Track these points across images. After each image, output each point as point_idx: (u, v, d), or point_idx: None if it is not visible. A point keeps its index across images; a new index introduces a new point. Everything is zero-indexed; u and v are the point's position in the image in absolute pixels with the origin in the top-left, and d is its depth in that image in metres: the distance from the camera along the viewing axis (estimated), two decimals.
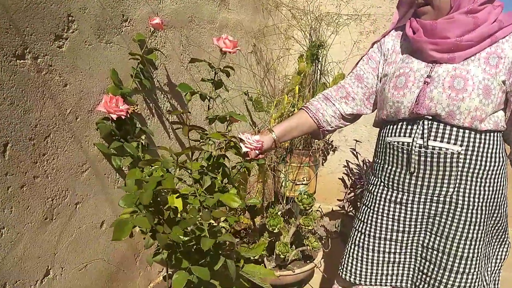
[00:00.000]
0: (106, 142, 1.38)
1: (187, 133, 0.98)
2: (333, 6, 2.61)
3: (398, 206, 1.36)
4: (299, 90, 2.65)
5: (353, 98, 1.48)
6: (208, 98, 1.37)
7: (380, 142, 1.46)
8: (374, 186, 1.45)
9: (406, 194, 1.34)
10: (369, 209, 1.45)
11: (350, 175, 3.10)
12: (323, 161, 3.20)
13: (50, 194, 1.21)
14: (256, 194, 2.20)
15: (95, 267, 1.41)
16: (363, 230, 1.45)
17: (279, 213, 2.17)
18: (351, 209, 3.07)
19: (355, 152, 3.00)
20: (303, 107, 1.53)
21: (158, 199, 1.00)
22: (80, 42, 1.25)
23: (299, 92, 2.64)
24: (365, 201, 1.49)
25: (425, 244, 1.33)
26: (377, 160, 1.46)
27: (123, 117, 1.31)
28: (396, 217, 1.37)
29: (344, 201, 3.10)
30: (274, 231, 1.85)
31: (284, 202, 2.41)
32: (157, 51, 1.54)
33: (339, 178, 3.19)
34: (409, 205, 1.34)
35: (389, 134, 1.38)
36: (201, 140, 1.13)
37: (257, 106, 2.41)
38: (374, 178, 1.47)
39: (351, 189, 3.09)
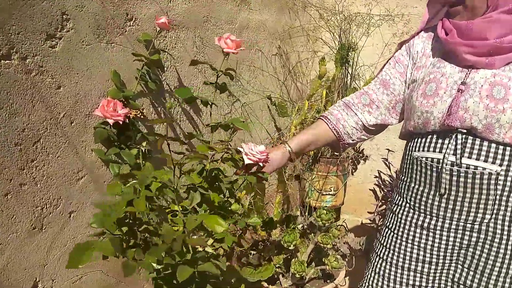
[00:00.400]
0: (106, 148, 1.29)
1: (160, 145, 0.87)
2: (364, 6, 2.44)
3: (424, 232, 1.20)
4: (327, 94, 2.50)
5: (378, 106, 1.32)
6: (210, 103, 1.26)
7: (406, 157, 1.30)
8: (398, 207, 1.29)
9: (434, 218, 1.17)
10: (392, 233, 1.28)
11: (382, 186, 2.91)
12: (353, 170, 3.01)
13: (40, 203, 1.13)
14: (275, 205, 2.06)
15: (91, 279, 1.33)
16: (384, 257, 1.29)
17: (300, 226, 2.02)
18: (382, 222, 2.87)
19: (387, 163, 2.80)
20: (321, 117, 1.39)
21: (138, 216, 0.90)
22: (77, 42, 1.17)
23: (326, 97, 2.49)
24: (388, 223, 1.33)
25: (455, 279, 1.15)
26: (403, 177, 1.30)
27: (121, 122, 1.22)
28: (422, 245, 1.20)
29: (375, 214, 2.92)
30: (289, 248, 1.71)
31: (306, 214, 2.26)
32: (165, 52, 1.45)
33: (370, 189, 3.01)
34: (438, 232, 1.17)
35: (417, 149, 1.22)
36: (185, 154, 1.01)
37: (281, 111, 2.28)
38: (399, 198, 1.31)
39: (383, 201, 2.89)
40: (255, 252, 2.02)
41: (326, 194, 2.71)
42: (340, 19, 2.39)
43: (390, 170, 2.79)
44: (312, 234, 1.83)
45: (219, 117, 1.87)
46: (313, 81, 2.11)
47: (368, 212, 2.94)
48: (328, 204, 2.71)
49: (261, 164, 1.18)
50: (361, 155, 2.97)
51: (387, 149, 2.76)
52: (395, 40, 2.44)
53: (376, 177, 2.92)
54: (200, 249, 0.90)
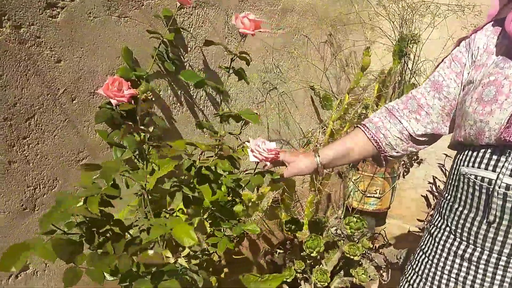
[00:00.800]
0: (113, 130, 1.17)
1: (122, 137, 0.72)
2: None
3: (465, 264, 0.96)
4: (380, 89, 2.22)
5: (427, 113, 1.07)
6: (221, 91, 1.08)
7: (453, 171, 1.05)
8: (437, 230, 1.05)
9: (479, 250, 0.94)
10: (426, 259, 1.05)
11: (436, 194, 2.58)
12: (405, 173, 2.70)
13: (32, 182, 1.04)
14: (307, 204, 1.86)
15: None
16: (415, 285, 1.07)
17: (333, 229, 1.81)
18: None
19: (443, 169, 2.46)
20: (359, 125, 1.16)
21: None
22: (82, 13, 1.05)
23: (379, 92, 2.21)
24: (424, 246, 1.09)
25: None
26: (446, 195, 1.06)
27: (123, 103, 1.08)
28: (460, 278, 0.97)
29: (425, 223, 2.60)
30: (312, 255, 1.51)
31: (342, 216, 2.02)
32: (185, 31, 1.29)
33: (422, 196, 2.69)
34: (481, 266, 0.93)
35: (466, 163, 0.97)
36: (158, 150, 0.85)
37: (325, 104, 2.05)
38: (439, 218, 1.07)
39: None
40: (281, 251, 1.84)
41: (371, 197, 2.45)
42: (402, 7, 2.09)
43: (446, 177, 2.45)
44: (342, 241, 1.61)
45: (251, 105, 1.69)
46: (356, 73, 1.85)
47: (417, 219, 2.63)
48: (371, 208, 2.45)
49: (268, 163, 1.00)
50: (414, 157, 2.65)
51: (445, 153, 2.41)
52: (464, 34, 2.09)
53: (430, 183, 2.60)
54: (172, 260, 0.74)
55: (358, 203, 2.39)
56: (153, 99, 1.20)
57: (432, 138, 1.11)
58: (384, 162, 1.16)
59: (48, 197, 1.08)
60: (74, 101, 1.08)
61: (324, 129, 1.96)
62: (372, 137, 1.11)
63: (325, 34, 2.09)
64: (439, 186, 2.58)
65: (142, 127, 0.89)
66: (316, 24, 1.99)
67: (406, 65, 2.33)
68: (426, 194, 2.64)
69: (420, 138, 1.10)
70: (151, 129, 1.17)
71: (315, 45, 2.03)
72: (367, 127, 1.13)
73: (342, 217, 2.02)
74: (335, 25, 2.13)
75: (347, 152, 1.14)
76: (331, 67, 2.22)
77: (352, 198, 2.41)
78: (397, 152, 1.12)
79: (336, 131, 1.81)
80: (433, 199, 2.59)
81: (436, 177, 2.57)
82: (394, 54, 2.25)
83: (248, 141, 1.00)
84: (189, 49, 1.36)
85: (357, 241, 1.54)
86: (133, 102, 1.13)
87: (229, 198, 1.06)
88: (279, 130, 1.90)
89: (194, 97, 1.42)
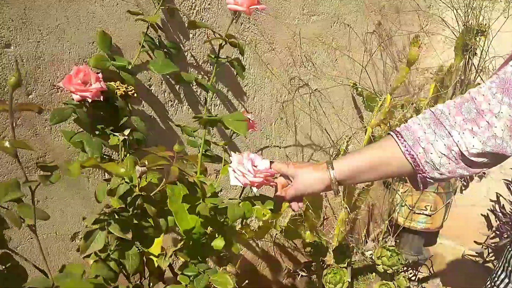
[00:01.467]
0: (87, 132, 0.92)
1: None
2: None
3: None
4: (437, 89, 1.80)
5: (490, 124, 0.69)
6: (207, 89, 0.78)
7: None
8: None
9: None
10: None
11: (500, 214, 2.10)
12: (463, 188, 2.24)
13: None
14: (338, 223, 1.51)
15: None
16: None
17: (369, 253, 1.46)
18: (492, 258, 2.10)
19: (511, 187, 1.99)
20: (392, 132, 0.78)
21: None
22: None
23: (436, 92, 1.79)
24: None
25: None
26: None
27: (89, 100, 0.83)
28: None
29: (483, 247, 2.14)
30: None
31: (381, 238, 1.65)
32: (178, 11, 1.00)
33: (482, 215, 2.22)
34: None
35: None
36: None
37: (369, 104, 1.67)
38: (506, 279, 0.71)
39: (497, 232, 2.09)
40: (305, 274, 1.51)
41: (420, 213, 2.03)
42: None
43: None
44: (374, 273, 1.25)
45: (274, 104, 1.38)
46: (400, 68, 1.44)
47: (475, 242, 2.17)
48: (420, 226, 2.04)
49: (254, 189, 0.68)
50: None
51: None
52: None
53: (492, 201, 2.13)
54: None
55: (404, 219, 1.99)
56: (135, 94, 0.93)
57: (493, 159, 0.72)
58: (421, 185, 0.78)
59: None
60: (30, 96, 0.84)
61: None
62: (407, 150, 0.74)
63: (373, 23, 1.71)
64: (503, 205, 2.11)
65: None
66: (361, 11, 1.62)
67: (471, 61, 1.88)
68: (487, 213, 2.17)
69: (476, 159, 0.71)
70: (127, 131, 0.90)
71: (360, 36, 1.65)
72: (402, 136, 0.75)
73: (381, 238, 1.65)
74: (385, 13, 1.73)
75: (371, 166, 0.77)
76: (380, 63, 1.83)
77: (398, 214, 2.01)
78: (440, 174, 0.74)
79: (377, 139, 1.44)
80: (496, 220, 2.12)
81: (501, 195, 2.10)
82: (456, 48, 1.82)
83: (232, 156, 0.70)
84: (190, 35, 1.07)
85: (392, 277, 1.18)
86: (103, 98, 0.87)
87: (209, 229, 0.77)
88: (310, 134, 1.57)
89: (198, 93, 1.14)
